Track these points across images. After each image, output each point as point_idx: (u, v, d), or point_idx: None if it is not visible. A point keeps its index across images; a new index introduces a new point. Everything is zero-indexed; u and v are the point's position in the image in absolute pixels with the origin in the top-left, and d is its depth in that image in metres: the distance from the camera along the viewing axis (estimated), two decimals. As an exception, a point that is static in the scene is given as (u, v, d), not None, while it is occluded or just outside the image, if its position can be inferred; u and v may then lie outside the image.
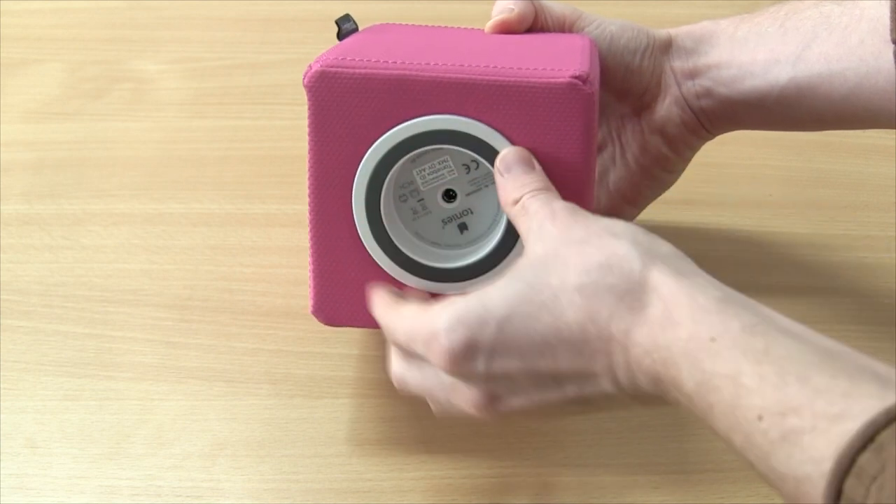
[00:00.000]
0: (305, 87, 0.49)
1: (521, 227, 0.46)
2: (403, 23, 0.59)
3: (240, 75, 0.81)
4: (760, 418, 0.35)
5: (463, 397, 0.44)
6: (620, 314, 0.40)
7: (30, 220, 0.69)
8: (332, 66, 0.49)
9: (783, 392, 0.34)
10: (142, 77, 0.81)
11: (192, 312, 0.63)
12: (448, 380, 0.45)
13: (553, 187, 0.48)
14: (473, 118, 0.49)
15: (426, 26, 0.59)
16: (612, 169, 0.60)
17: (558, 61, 0.49)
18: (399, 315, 0.46)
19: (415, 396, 0.48)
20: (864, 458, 0.31)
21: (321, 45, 0.84)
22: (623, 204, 0.60)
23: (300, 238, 0.67)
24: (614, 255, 0.41)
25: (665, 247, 0.42)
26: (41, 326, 0.62)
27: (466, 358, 0.42)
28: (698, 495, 0.54)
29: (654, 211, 0.64)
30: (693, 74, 0.57)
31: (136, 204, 0.70)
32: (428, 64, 0.49)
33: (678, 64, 0.58)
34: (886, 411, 0.32)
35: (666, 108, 0.58)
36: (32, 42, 0.85)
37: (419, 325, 0.44)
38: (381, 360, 0.60)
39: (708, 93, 0.57)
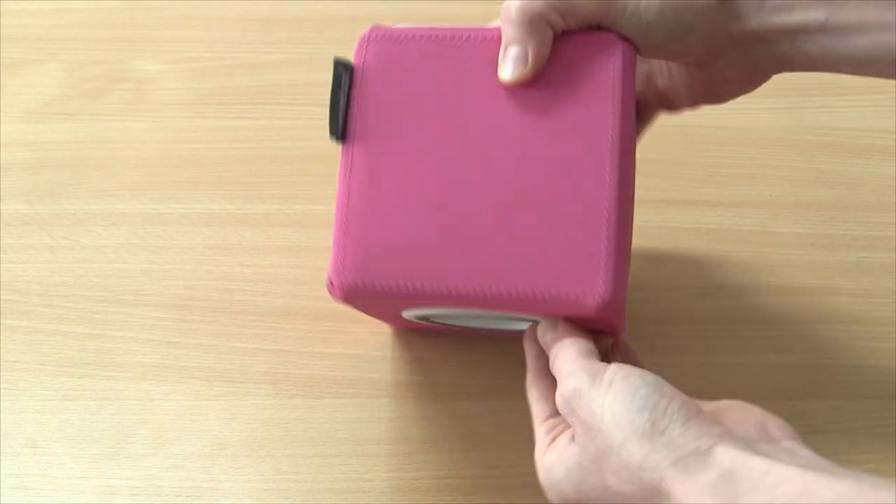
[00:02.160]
0: (330, 291, 0.49)
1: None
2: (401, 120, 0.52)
3: (240, 75, 0.81)
4: None
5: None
6: None
7: (30, 220, 0.69)
8: (350, 282, 0.49)
9: None
10: (142, 77, 0.81)
11: (192, 312, 0.63)
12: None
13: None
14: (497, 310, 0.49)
15: (429, 158, 0.51)
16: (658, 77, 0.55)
17: (582, 255, 0.47)
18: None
19: None
20: None
21: (321, 45, 0.84)
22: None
23: (300, 238, 0.67)
24: (640, 467, 0.41)
25: (678, 428, 0.42)
26: (41, 326, 0.62)
27: None
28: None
29: (655, 211, 0.64)
30: (771, 37, 0.49)
31: (136, 204, 0.70)
32: (445, 276, 0.48)
33: (750, 25, 0.49)
34: None
35: (720, 69, 0.52)
36: (32, 42, 0.85)
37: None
38: (382, 361, 0.60)
39: (794, 57, 0.50)
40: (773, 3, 0.48)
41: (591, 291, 0.46)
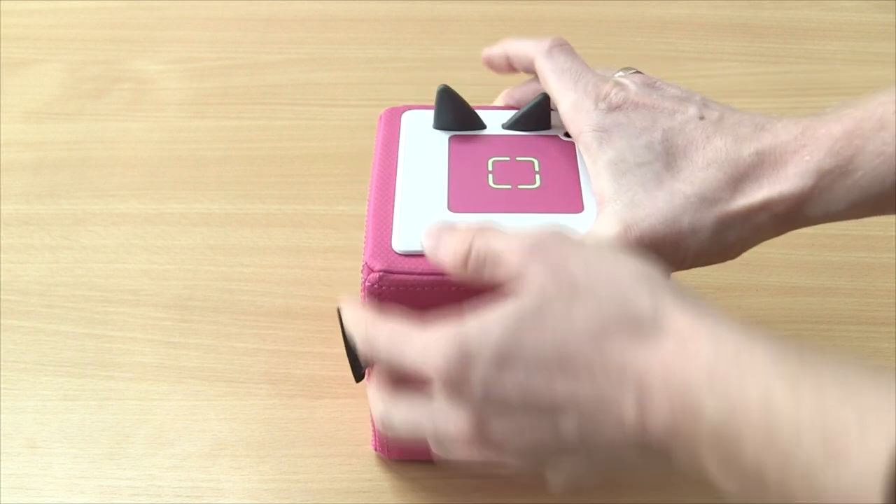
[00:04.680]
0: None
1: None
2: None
3: (240, 75, 0.81)
4: (799, 436, 0.33)
5: (451, 423, 0.42)
6: (632, 352, 0.38)
7: (30, 220, 0.69)
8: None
9: (824, 411, 0.33)
10: (142, 77, 0.81)
11: (192, 312, 0.63)
12: (437, 405, 0.42)
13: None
14: None
15: None
16: None
17: None
18: (388, 327, 0.43)
19: (401, 440, 0.46)
20: None
21: (321, 45, 0.84)
22: None
23: (300, 238, 0.68)
24: (623, 294, 0.39)
25: (673, 281, 0.41)
26: (41, 326, 0.62)
27: (461, 370, 0.40)
28: (698, 496, 0.54)
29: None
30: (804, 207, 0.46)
31: (136, 204, 0.70)
32: None
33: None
34: None
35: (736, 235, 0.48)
36: (32, 42, 0.85)
37: (412, 335, 0.42)
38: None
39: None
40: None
41: None
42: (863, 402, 0.33)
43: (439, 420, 0.43)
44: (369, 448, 0.55)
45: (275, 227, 0.68)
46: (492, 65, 0.56)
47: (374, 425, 0.53)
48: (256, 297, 0.63)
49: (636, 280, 0.40)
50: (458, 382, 0.40)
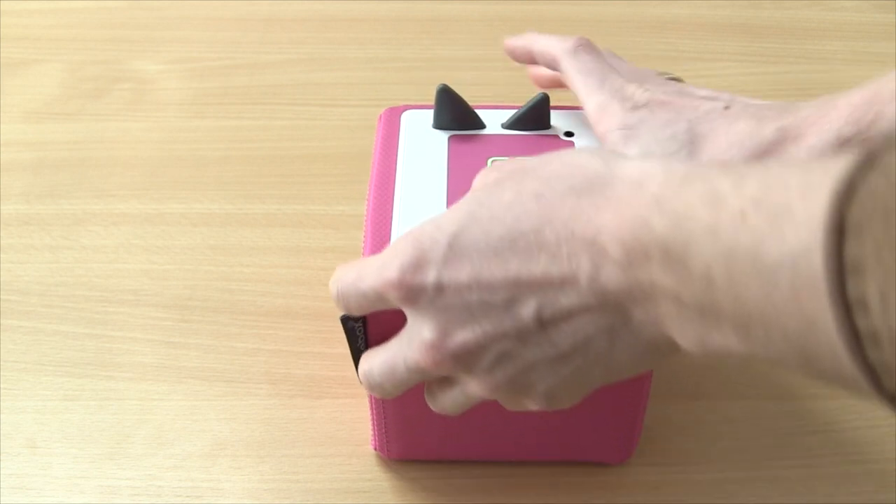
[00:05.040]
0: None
1: None
2: None
3: (240, 75, 0.81)
4: (744, 216, 0.31)
5: (416, 342, 0.41)
6: (582, 210, 0.37)
7: (30, 220, 0.69)
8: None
9: (765, 185, 0.31)
10: (142, 77, 0.81)
11: (192, 312, 0.63)
12: (404, 332, 0.42)
13: None
14: None
15: None
16: None
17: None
18: (350, 263, 0.44)
19: (386, 392, 0.46)
20: (863, 179, 0.28)
21: (321, 45, 0.84)
22: None
23: (300, 238, 0.67)
24: (572, 163, 0.39)
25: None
26: (41, 326, 0.62)
27: (417, 269, 0.40)
28: (698, 495, 0.54)
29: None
30: None
31: (136, 204, 0.70)
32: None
33: None
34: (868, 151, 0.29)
35: None
36: (32, 42, 0.85)
37: (370, 259, 0.42)
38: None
39: None
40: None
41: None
42: (806, 170, 0.31)
43: (405, 345, 0.42)
44: (369, 448, 0.55)
45: (275, 227, 0.68)
46: (513, 55, 0.56)
47: (374, 425, 0.53)
48: (256, 297, 0.63)
49: (589, 153, 0.40)
50: (414, 289, 0.40)
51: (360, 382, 0.47)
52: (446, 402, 0.45)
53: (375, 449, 0.54)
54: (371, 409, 0.52)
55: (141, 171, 0.73)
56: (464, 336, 0.40)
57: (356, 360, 0.47)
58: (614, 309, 0.37)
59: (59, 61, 0.83)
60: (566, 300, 0.38)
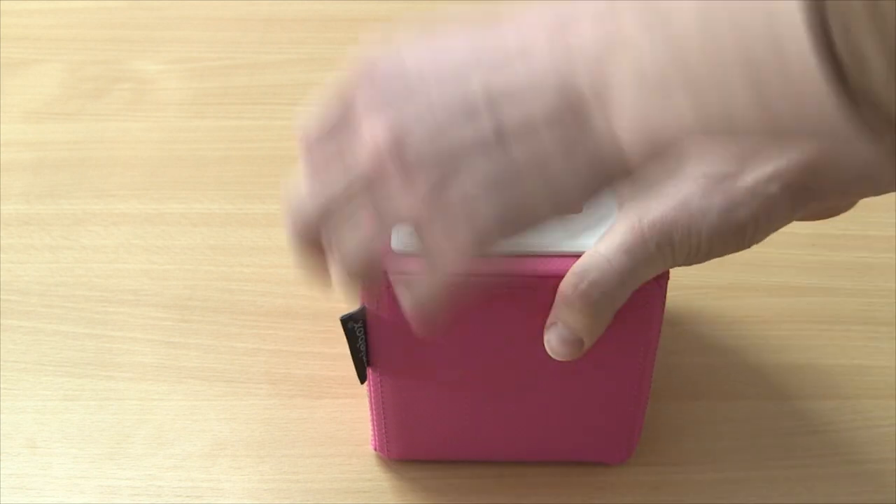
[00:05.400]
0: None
1: None
2: None
3: (240, 75, 0.81)
4: None
5: (362, 139, 0.38)
6: (555, 29, 0.36)
7: (30, 220, 0.69)
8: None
9: None
10: (142, 77, 0.81)
11: (192, 312, 0.63)
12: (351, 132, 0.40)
13: None
14: None
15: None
16: None
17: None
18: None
19: (309, 229, 0.44)
20: None
21: (321, 45, 0.84)
22: None
23: (300, 238, 0.67)
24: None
25: None
26: (41, 326, 0.62)
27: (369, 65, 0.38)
28: (699, 495, 0.54)
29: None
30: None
31: (136, 204, 0.70)
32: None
33: None
34: None
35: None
36: (32, 42, 0.85)
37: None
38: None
39: None
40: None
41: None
42: None
43: (349, 146, 0.40)
44: (369, 448, 0.55)
45: (275, 227, 0.68)
46: None
47: (374, 425, 0.53)
48: (256, 297, 0.63)
49: None
50: (363, 80, 0.39)
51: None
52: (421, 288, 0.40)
53: (375, 449, 0.54)
54: (371, 409, 0.52)
55: (141, 171, 0.73)
56: (409, 115, 0.38)
57: (356, 360, 0.47)
58: (575, 81, 0.35)
59: (59, 61, 0.82)
60: (519, 77, 0.36)
